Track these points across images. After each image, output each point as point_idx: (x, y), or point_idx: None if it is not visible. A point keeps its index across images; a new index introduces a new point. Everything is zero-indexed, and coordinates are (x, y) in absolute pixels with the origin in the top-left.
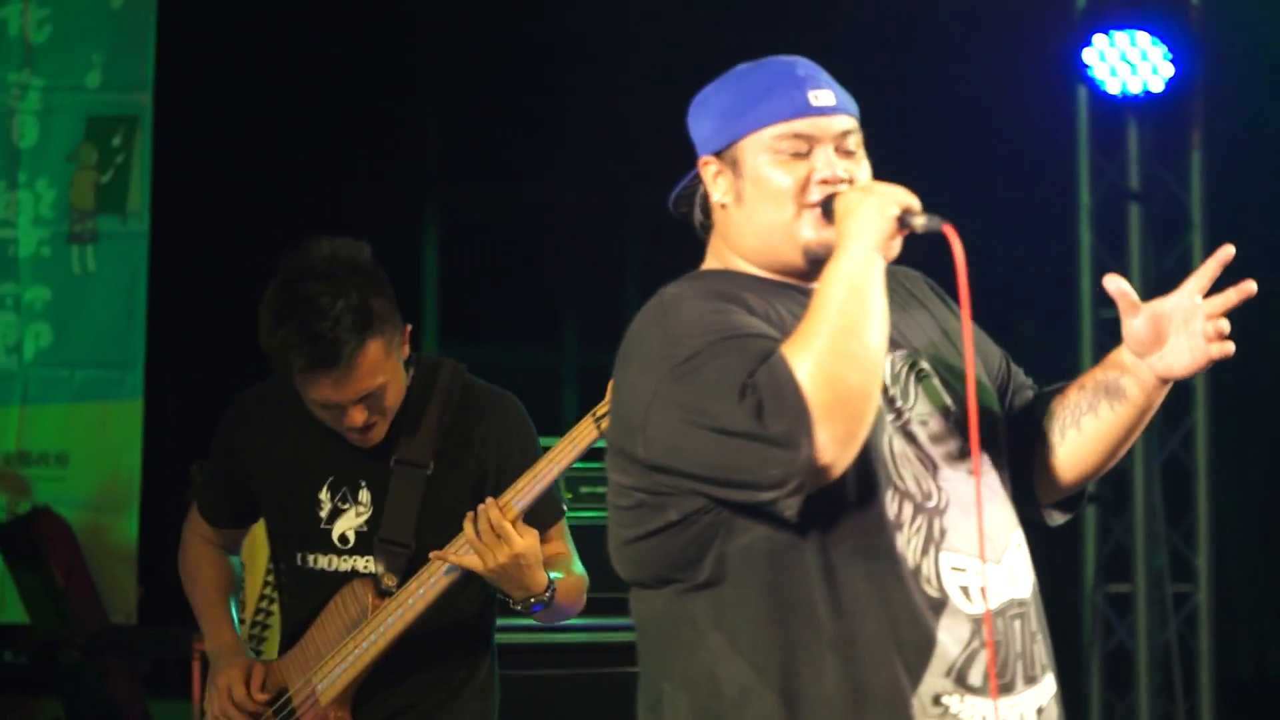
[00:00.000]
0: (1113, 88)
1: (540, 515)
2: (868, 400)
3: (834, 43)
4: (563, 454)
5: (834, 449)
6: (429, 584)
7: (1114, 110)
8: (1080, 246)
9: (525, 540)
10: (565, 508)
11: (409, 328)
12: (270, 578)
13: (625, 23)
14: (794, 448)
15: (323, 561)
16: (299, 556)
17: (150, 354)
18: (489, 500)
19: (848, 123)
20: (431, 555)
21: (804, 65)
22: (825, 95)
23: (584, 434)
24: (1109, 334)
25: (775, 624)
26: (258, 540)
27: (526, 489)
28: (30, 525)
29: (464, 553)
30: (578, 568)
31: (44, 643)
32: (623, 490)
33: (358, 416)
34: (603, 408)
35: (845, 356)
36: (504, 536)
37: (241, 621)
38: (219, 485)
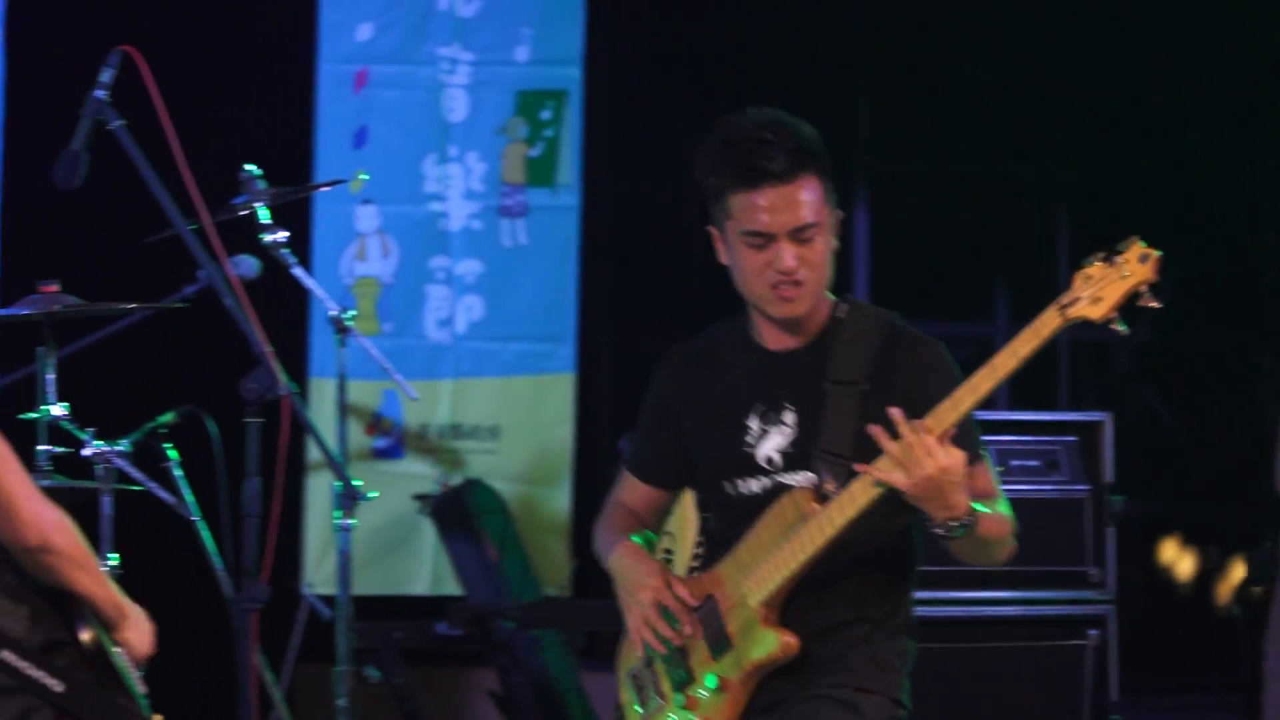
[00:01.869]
0: None
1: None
2: None
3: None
4: (1024, 344)
5: None
6: (857, 497)
7: None
8: None
9: (950, 456)
10: (984, 452)
11: (841, 215)
12: (700, 550)
13: None
14: None
15: (752, 485)
16: (727, 485)
17: (582, 327)
18: (916, 422)
19: None
20: (857, 468)
21: None
22: None
23: (1047, 323)
24: None
25: None
26: (687, 512)
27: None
28: (463, 498)
29: (888, 470)
30: (1004, 508)
31: (478, 615)
32: None
33: (789, 257)
34: (1068, 296)
35: None
36: (928, 450)
37: None
38: (647, 435)
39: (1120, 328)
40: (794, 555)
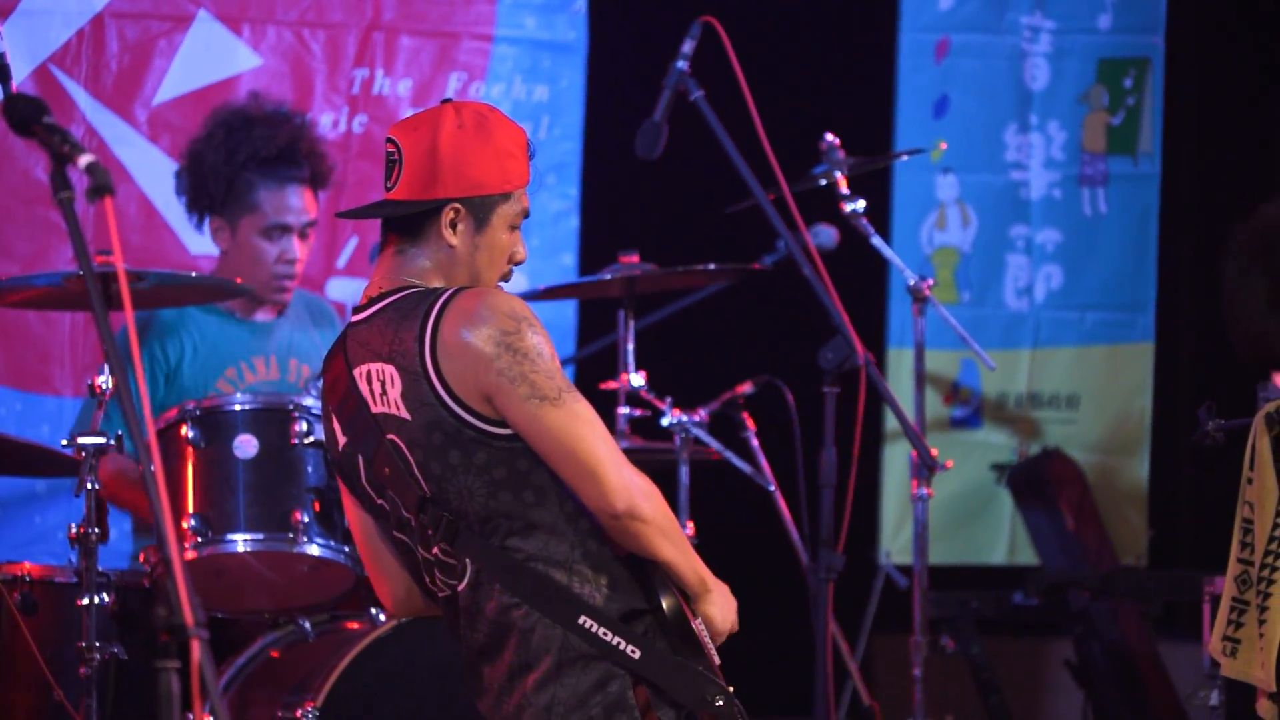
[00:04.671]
0: None
1: None
2: None
3: None
4: None
5: None
6: None
7: None
8: None
9: None
10: None
11: None
12: (1279, 519)
13: None
14: None
15: None
16: None
17: (1161, 297)
18: None
19: None
20: None
21: None
22: None
23: None
24: None
25: None
26: (1267, 482)
27: None
28: (1040, 467)
29: None
30: None
31: (1054, 584)
32: None
33: None
34: None
35: None
36: None
37: (1247, 563)
38: None
39: None
40: None
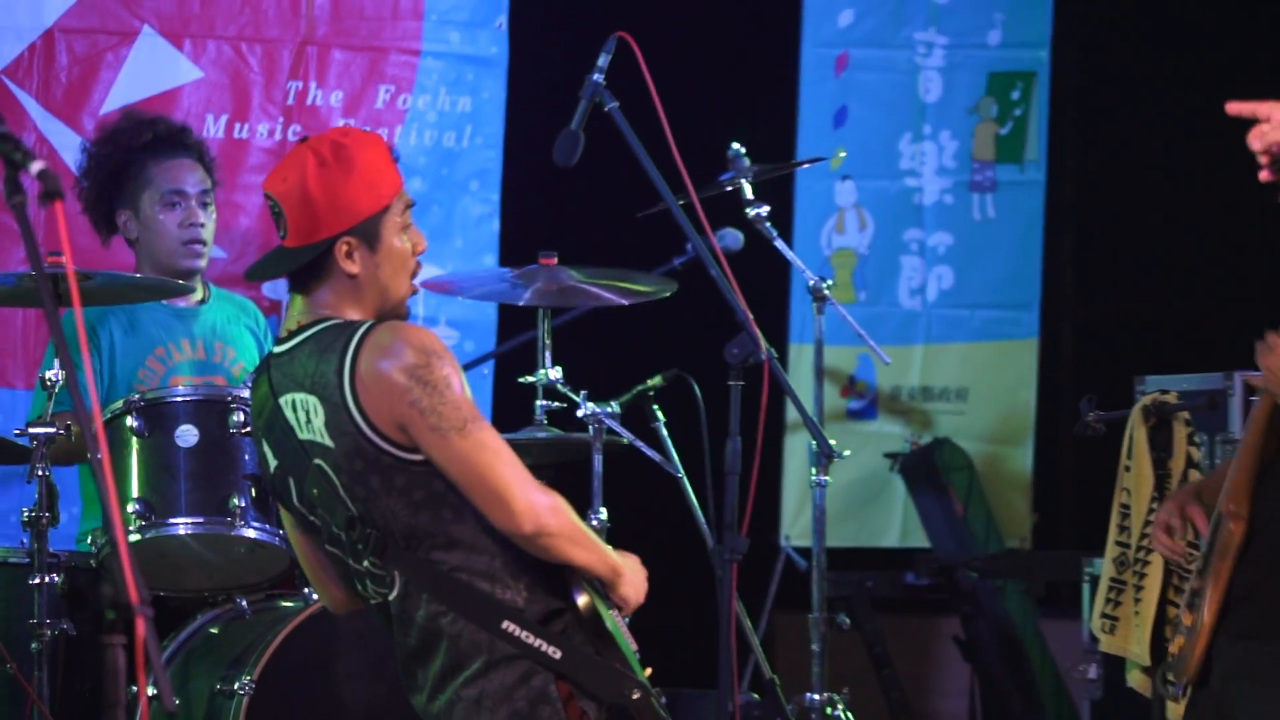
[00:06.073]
0: None
1: None
2: None
3: None
4: None
5: None
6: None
7: None
8: None
9: None
10: None
11: None
12: (1154, 505)
13: None
14: None
15: None
16: None
17: (1046, 295)
18: None
19: None
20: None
21: None
22: None
23: None
24: None
25: None
26: (1143, 469)
27: None
28: (931, 456)
29: None
30: None
31: (944, 566)
32: None
33: None
34: None
35: None
36: None
37: (1124, 545)
38: None
39: None
40: None
